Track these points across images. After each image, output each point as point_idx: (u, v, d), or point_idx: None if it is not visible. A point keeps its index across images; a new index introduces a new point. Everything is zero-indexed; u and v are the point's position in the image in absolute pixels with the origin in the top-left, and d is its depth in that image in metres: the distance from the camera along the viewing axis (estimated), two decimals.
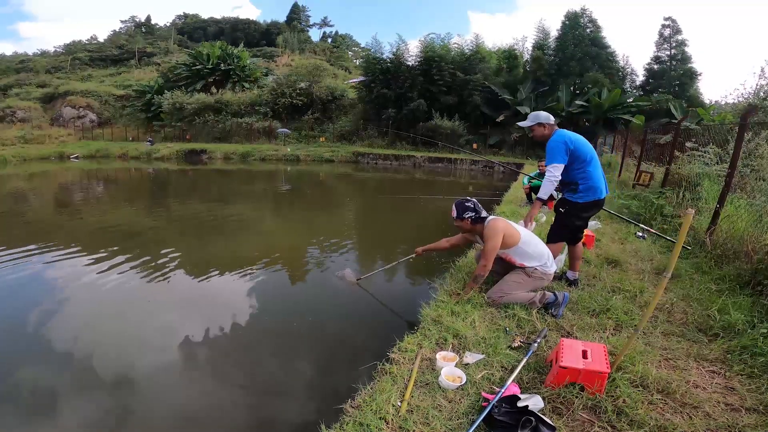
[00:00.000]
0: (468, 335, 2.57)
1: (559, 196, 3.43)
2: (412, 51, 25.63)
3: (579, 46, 25.10)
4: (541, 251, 3.10)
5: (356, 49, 62.63)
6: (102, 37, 61.16)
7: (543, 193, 3.21)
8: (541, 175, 7.00)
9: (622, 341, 2.45)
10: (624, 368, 2.15)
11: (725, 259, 3.83)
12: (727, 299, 3.02)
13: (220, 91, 29.77)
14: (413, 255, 3.84)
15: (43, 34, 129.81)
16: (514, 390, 2.01)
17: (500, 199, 8.56)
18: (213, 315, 3.79)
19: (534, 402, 1.89)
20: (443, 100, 24.01)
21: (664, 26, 27.36)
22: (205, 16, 71.04)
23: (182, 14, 73.37)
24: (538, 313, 2.91)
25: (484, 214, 3.14)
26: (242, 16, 74.60)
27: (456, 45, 26.35)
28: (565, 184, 3.25)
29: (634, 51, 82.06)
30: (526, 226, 3.41)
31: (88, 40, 60.21)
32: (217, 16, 70.24)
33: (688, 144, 7.82)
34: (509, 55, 27.71)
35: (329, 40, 71.24)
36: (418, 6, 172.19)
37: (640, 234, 5.05)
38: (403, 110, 23.93)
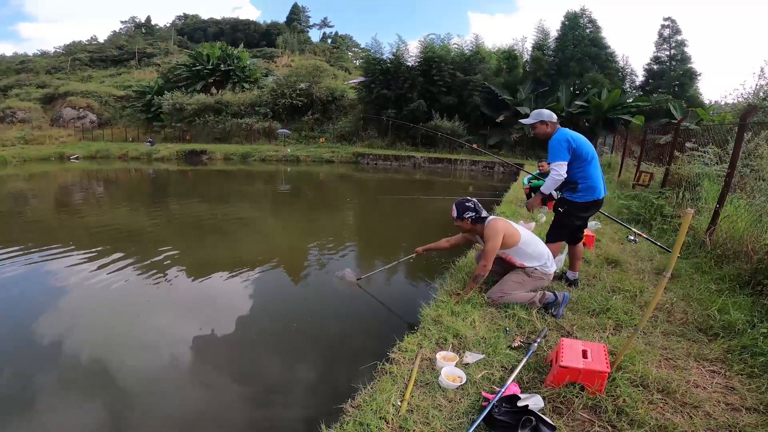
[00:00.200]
0: (468, 335, 2.57)
1: (558, 196, 3.43)
2: (412, 51, 25.71)
3: (579, 47, 25.09)
4: (541, 251, 3.10)
5: (356, 49, 62.66)
6: (102, 38, 61.34)
7: (546, 188, 3.21)
8: (541, 174, 7.00)
9: (622, 341, 2.45)
10: (624, 368, 2.15)
11: (725, 259, 3.83)
12: (727, 299, 3.03)
13: (220, 91, 29.76)
14: (413, 255, 3.84)
15: (43, 34, 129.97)
16: (515, 390, 2.01)
17: (500, 200, 8.57)
18: (213, 315, 3.79)
19: (534, 401, 1.89)
20: (443, 100, 24.02)
21: (663, 26, 27.37)
22: (205, 16, 71.21)
23: (182, 15, 73.56)
24: (538, 313, 2.91)
25: (484, 214, 3.14)
26: (242, 17, 74.67)
27: (456, 45, 26.39)
28: (564, 183, 3.25)
29: (633, 51, 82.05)
30: (531, 210, 3.40)
31: (88, 40, 60.33)
32: (217, 16, 70.36)
33: (688, 144, 7.83)
34: (509, 56, 27.72)
35: (329, 40, 71.34)
36: (418, 6, 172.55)
37: (632, 238, 5.05)
38: (403, 111, 23.93)
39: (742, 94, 12.92)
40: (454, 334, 2.59)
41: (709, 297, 3.17)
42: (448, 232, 3.92)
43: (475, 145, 22.40)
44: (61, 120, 31.79)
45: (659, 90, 25.94)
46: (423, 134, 23.45)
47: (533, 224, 5.54)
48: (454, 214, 3.17)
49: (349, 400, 2.05)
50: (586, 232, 3.93)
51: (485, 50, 26.86)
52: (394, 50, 25.52)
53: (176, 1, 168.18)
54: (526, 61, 27.50)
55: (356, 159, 22.76)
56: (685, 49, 26.59)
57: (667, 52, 26.97)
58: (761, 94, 11.71)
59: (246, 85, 32.29)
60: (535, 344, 2.41)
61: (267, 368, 3.02)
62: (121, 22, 72.48)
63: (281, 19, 73.17)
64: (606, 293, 3.27)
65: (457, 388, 2.07)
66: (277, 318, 3.83)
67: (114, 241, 6.16)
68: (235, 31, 61.87)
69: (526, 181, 7.85)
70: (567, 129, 3.23)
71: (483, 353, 2.39)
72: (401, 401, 1.96)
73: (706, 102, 23.98)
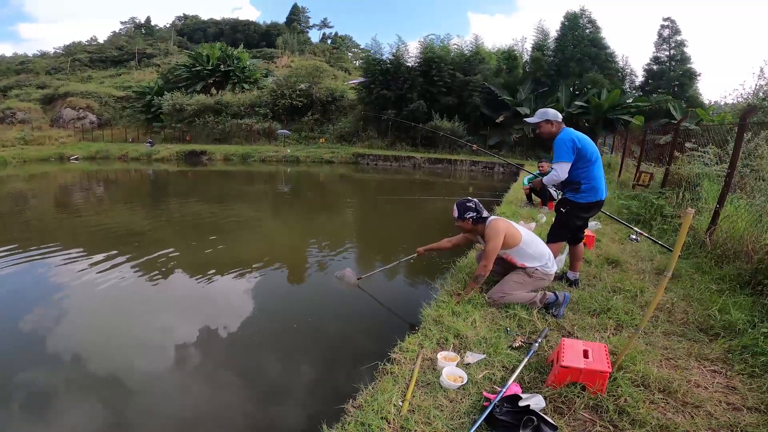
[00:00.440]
0: (469, 335, 2.57)
1: (560, 196, 3.44)
2: (412, 52, 25.66)
3: (578, 47, 25.09)
4: (542, 252, 3.10)
5: (356, 50, 62.69)
6: (102, 39, 61.25)
7: (548, 180, 3.29)
8: (541, 175, 7.00)
9: (623, 341, 2.45)
10: (625, 368, 2.15)
11: (725, 259, 3.83)
12: (728, 299, 3.03)
13: (219, 92, 29.75)
14: (414, 255, 3.84)
15: (43, 35, 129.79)
16: (516, 389, 2.01)
17: (500, 200, 8.57)
18: (214, 315, 3.79)
19: (535, 401, 1.89)
20: (443, 101, 24.01)
21: (663, 27, 27.36)
22: (204, 17, 71.15)
23: (182, 15, 73.55)
24: (538, 313, 2.91)
25: (485, 214, 3.15)
26: (242, 18, 74.48)
27: (456, 46, 26.38)
28: (567, 184, 3.25)
29: (633, 51, 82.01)
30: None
31: (87, 41, 60.29)
32: (217, 17, 70.39)
33: (688, 144, 7.82)
34: (509, 56, 27.71)
35: (329, 41, 71.34)
36: (418, 7, 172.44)
37: (634, 237, 5.06)
38: (403, 111, 23.93)
39: (741, 94, 12.92)
40: (455, 334, 2.59)
41: (709, 297, 3.18)
42: (449, 233, 3.92)
43: (475, 146, 22.36)
44: (60, 121, 31.78)
45: (659, 90, 25.92)
46: (423, 135, 23.45)
47: (533, 224, 5.55)
48: (456, 214, 3.17)
49: (351, 401, 2.05)
50: (586, 232, 3.93)
51: (485, 51, 26.86)
52: (394, 51, 25.53)
53: (176, 2, 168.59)
54: (526, 61, 27.49)
55: (356, 159, 22.75)
56: (685, 49, 26.60)
57: (667, 53, 26.97)
58: (761, 94, 11.72)
59: (246, 86, 32.27)
60: (536, 344, 2.41)
61: (268, 368, 3.02)
62: (121, 22, 72.21)
63: (281, 19, 73.36)
64: (606, 293, 3.27)
65: (458, 388, 2.07)
66: (277, 318, 3.83)
67: (114, 242, 6.15)
68: (234, 32, 61.87)
69: (526, 182, 7.86)
70: (572, 129, 3.23)
71: (484, 353, 2.39)
72: (403, 401, 1.96)
73: (706, 102, 24.02)
